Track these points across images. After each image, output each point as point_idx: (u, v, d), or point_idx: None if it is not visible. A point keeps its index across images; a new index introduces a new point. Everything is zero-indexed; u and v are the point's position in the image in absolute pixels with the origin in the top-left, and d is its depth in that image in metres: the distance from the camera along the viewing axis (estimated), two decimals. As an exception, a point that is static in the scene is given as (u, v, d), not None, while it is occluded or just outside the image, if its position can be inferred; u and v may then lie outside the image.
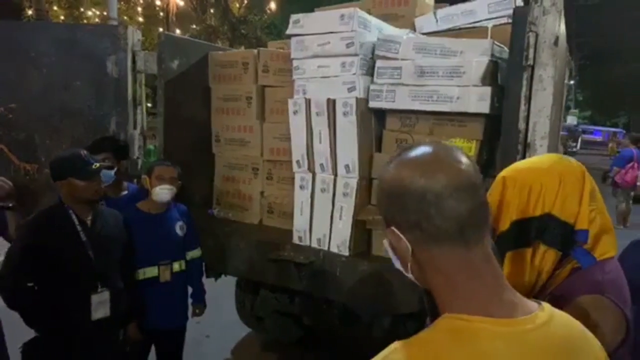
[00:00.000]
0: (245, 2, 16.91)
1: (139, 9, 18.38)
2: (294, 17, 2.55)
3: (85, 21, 18.31)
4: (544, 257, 1.18)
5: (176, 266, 2.50)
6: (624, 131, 19.70)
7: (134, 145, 2.76)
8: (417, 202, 0.68)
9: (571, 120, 25.31)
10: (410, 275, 0.74)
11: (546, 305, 0.74)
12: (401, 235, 0.70)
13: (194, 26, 17.03)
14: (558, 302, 1.00)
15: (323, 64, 2.45)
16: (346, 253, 2.38)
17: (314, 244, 2.49)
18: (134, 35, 2.69)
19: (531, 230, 1.17)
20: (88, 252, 1.96)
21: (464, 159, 0.70)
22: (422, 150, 0.72)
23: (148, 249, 2.37)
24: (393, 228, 0.71)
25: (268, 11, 16.43)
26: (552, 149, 1.97)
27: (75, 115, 2.69)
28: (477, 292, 0.69)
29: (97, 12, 19.15)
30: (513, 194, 1.17)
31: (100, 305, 1.95)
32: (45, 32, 2.69)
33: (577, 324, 0.76)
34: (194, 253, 2.62)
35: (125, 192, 2.66)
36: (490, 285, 0.70)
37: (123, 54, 2.66)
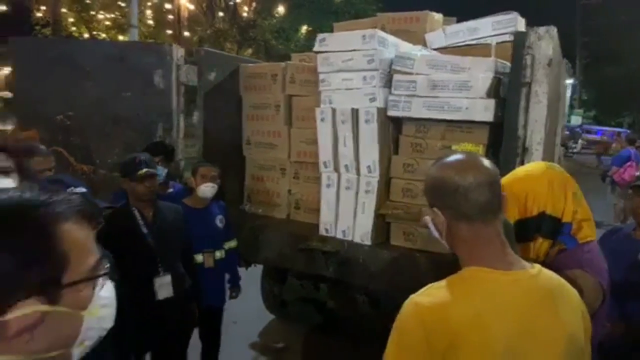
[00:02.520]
0: (254, 5, 17.23)
1: (149, 12, 18.79)
2: (320, 36, 2.89)
3: (97, 25, 18.71)
4: (541, 245, 1.54)
5: (217, 254, 2.87)
6: (628, 131, 19.88)
7: (178, 149, 3.11)
8: (451, 192, 1.03)
9: (575, 120, 25.44)
10: (444, 242, 1.09)
11: (536, 265, 1.08)
12: (440, 213, 1.06)
13: (199, 29, 17.36)
14: None
15: (347, 77, 2.79)
16: (368, 243, 2.72)
17: (339, 235, 2.84)
18: (178, 52, 3.04)
19: (531, 227, 1.52)
20: (149, 241, 2.32)
21: (486, 164, 1.06)
22: (457, 157, 1.09)
23: (194, 239, 2.72)
24: (435, 208, 1.07)
25: (276, 15, 16.76)
26: (547, 152, 2.32)
27: (126, 122, 3.05)
28: (487, 254, 1.03)
29: (108, 16, 19.53)
30: (512, 201, 1.52)
31: (163, 286, 2.30)
32: (100, 48, 3.05)
33: (559, 278, 1.11)
34: (231, 243, 2.98)
35: (171, 190, 3.01)
36: (497, 250, 1.04)
37: (168, 68, 3.00)
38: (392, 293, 2.81)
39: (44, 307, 0.60)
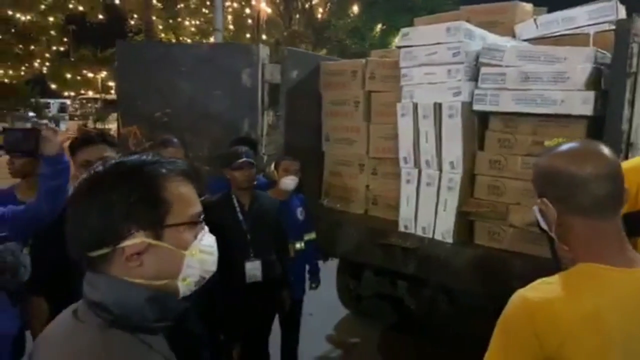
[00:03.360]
0: (329, 6, 17.45)
1: (229, 17, 19.75)
2: (403, 30, 2.87)
3: (183, 31, 19.99)
4: None
5: (297, 245, 2.96)
6: None
7: (261, 144, 3.26)
8: (566, 183, 0.95)
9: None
10: (553, 234, 1.01)
11: None
12: (550, 205, 0.98)
13: (275, 31, 17.92)
14: None
15: (430, 71, 2.74)
16: (450, 240, 2.66)
17: (419, 232, 2.80)
18: (263, 51, 3.18)
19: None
20: (243, 227, 2.47)
21: (607, 153, 0.97)
22: (574, 144, 1.01)
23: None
24: (544, 199, 0.99)
25: (351, 15, 16.84)
26: (654, 148, 2.12)
27: (216, 118, 3.24)
28: (605, 250, 0.95)
29: (193, 22, 20.81)
30: None
31: (253, 271, 2.43)
32: (193, 50, 3.28)
33: None
34: (311, 235, 3.06)
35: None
36: (615, 246, 0.96)
37: (255, 67, 3.15)
38: (473, 294, 2.73)
39: (150, 240, 0.76)
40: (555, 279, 0.96)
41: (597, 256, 0.95)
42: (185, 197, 0.80)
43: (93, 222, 0.74)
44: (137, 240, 0.75)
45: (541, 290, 0.94)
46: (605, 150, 0.98)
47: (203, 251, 0.83)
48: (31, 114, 18.18)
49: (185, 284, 0.82)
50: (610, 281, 0.93)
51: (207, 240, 0.85)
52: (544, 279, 0.97)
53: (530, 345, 0.90)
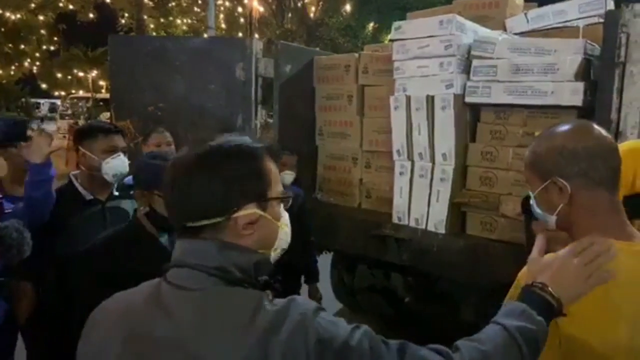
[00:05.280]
0: (321, 5, 17.46)
1: (221, 15, 19.69)
2: (395, 24, 2.89)
3: (175, 29, 19.90)
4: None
5: (292, 239, 2.97)
6: None
7: (256, 137, 3.27)
8: (588, 155, 0.97)
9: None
10: (552, 217, 1.03)
11: None
12: (565, 182, 0.98)
13: (267, 30, 17.90)
14: None
15: (422, 64, 2.77)
16: (443, 231, 2.69)
17: (412, 224, 2.82)
18: (257, 45, 3.18)
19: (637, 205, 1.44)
20: None
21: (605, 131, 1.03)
22: (581, 123, 1.07)
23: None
24: (557, 177, 0.99)
25: (344, 13, 16.87)
26: (642, 137, 2.15)
27: (210, 112, 3.24)
28: (611, 224, 0.98)
29: (185, 21, 20.72)
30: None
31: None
32: (187, 44, 3.28)
33: None
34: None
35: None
36: (620, 220, 1.00)
37: (249, 61, 3.16)
38: (467, 283, 2.76)
39: (259, 211, 0.84)
40: (562, 253, 0.97)
41: (604, 230, 0.97)
42: (276, 175, 0.89)
43: (209, 194, 0.80)
44: (250, 211, 0.83)
45: None
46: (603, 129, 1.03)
47: (287, 225, 0.93)
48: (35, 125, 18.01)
49: (275, 254, 0.91)
50: (620, 255, 0.94)
51: (286, 216, 0.94)
52: (551, 253, 0.98)
53: None
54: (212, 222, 0.81)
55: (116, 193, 2.06)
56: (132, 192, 1.81)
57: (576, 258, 0.91)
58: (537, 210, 1.07)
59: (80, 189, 2.03)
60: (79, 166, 2.06)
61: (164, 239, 1.58)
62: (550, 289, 0.88)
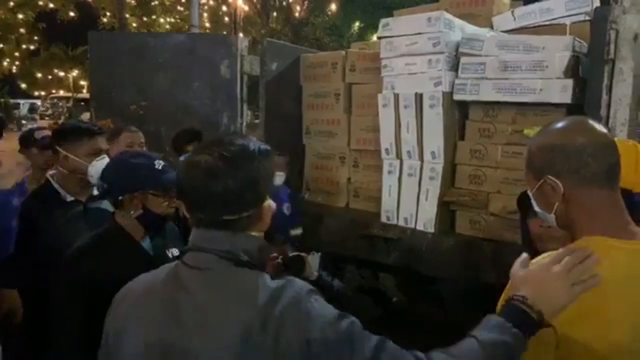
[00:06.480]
0: (307, 4, 17.40)
1: (206, 14, 19.48)
2: (383, 21, 2.85)
3: (158, 29, 19.62)
4: None
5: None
6: None
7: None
8: (578, 153, 0.94)
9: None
10: (552, 216, 1.00)
11: None
12: (557, 180, 0.95)
13: (252, 29, 17.77)
14: None
15: (410, 62, 2.73)
16: (432, 230, 2.66)
17: (401, 223, 2.79)
18: (242, 42, 3.12)
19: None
20: None
21: (603, 128, 1.00)
22: (572, 119, 1.04)
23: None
24: (549, 176, 0.96)
25: (329, 13, 16.83)
26: (631, 134, 2.15)
27: (194, 111, 3.17)
28: (610, 222, 0.95)
29: (169, 19, 20.46)
30: None
31: None
32: (170, 40, 3.19)
33: None
34: (297, 231, 3.01)
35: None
36: (621, 218, 0.97)
37: (234, 59, 3.09)
38: (456, 281, 2.74)
39: (268, 202, 0.99)
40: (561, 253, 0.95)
41: (604, 228, 0.94)
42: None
43: (237, 193, 0.92)
44: (266, 203, 0.98)
45: None
46: (599, 124, 1.00)
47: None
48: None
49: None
50: (616, 253, 0.92)
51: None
52: (549, 252, 0.96)
53: None
54: (249, 213, 0.94)
55: (95, 193, 1.99)
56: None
57: (557, 268, 0.90)
58: (537, 209, 1.04)
59: (59, 190, 1.95)
60: (55, 166, 1.97)
61: (146, 243, 1.51)
62: (529, 301, 0.88)
